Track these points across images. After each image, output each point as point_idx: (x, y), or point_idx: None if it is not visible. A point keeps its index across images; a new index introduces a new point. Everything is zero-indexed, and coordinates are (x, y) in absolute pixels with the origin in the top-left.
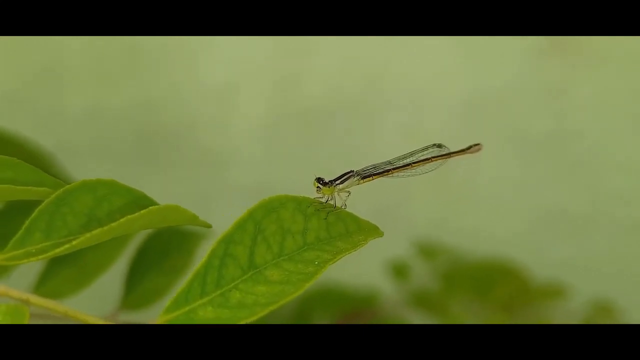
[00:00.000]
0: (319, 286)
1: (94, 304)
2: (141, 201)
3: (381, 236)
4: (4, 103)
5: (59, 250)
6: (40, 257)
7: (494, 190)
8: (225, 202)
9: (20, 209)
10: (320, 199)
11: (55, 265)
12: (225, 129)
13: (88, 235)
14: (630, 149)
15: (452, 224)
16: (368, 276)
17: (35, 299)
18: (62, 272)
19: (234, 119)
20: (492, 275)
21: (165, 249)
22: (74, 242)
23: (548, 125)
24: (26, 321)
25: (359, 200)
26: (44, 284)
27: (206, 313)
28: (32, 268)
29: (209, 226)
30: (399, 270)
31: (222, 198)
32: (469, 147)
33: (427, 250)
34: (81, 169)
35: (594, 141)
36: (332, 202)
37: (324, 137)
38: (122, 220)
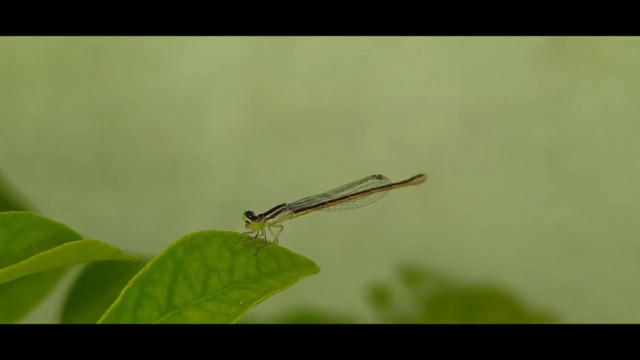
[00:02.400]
0: (298, 312)
1: None
2: (63, 235)
3: (317, 273)
4: None
5: None
6: None
7: (486, 208)
8: (197, 217)
9: None
10: (250, 234)
11: None
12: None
13: None
14: (634, 164)
15: (440, 244)
16: (350, 302)
17: None
18: None
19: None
20: (482, 301)
21: (104, 279)
22: None
23: (545, 138)
24: None
25: (340, 222)
26: None
27: None
28: None
29: (134, 259)
30: (380, 296)
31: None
32: (412, 178)
33: (411, 275)
34: (38, 186)
35: (595, 155)
36: (262, 237)
37: (302, 148)
38: (33, 257)
